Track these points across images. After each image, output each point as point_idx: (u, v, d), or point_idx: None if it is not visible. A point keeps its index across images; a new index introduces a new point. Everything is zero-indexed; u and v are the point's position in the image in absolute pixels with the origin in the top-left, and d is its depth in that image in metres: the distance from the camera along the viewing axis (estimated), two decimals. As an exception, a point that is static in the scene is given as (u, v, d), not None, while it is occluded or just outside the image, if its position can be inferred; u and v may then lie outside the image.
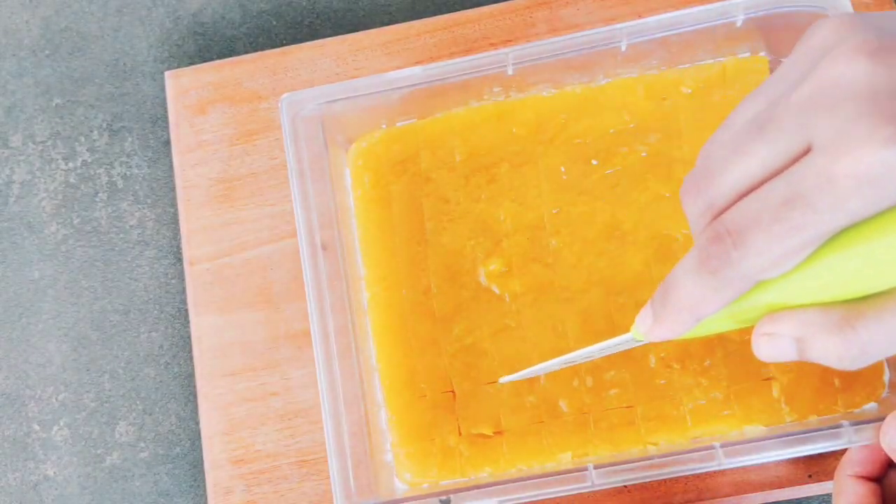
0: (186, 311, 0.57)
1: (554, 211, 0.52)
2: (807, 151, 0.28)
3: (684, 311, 0.32)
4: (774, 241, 0.28)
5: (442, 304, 0.51)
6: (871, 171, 0.26)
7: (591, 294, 0.51)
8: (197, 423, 0.56)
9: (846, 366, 0.29)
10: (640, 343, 0.38)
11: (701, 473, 0.50)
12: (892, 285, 0.28)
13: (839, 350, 0.29)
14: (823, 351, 0.29)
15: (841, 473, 0.45)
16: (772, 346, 0.31)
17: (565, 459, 0.50)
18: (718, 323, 0.33)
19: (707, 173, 0.31)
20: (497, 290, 0.51)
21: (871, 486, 0.44)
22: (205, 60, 0.61)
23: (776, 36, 0.52)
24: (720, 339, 0.50)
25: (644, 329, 0.35)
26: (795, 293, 0.29)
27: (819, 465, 0.50)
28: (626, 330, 0.50)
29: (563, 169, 0.52)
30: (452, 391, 0.51)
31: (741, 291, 0.30)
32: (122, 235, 0.59)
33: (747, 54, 0.53)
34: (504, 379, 0.47)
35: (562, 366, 0.44)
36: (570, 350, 0.50)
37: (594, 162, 0.52)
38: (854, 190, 0.26)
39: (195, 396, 0.56)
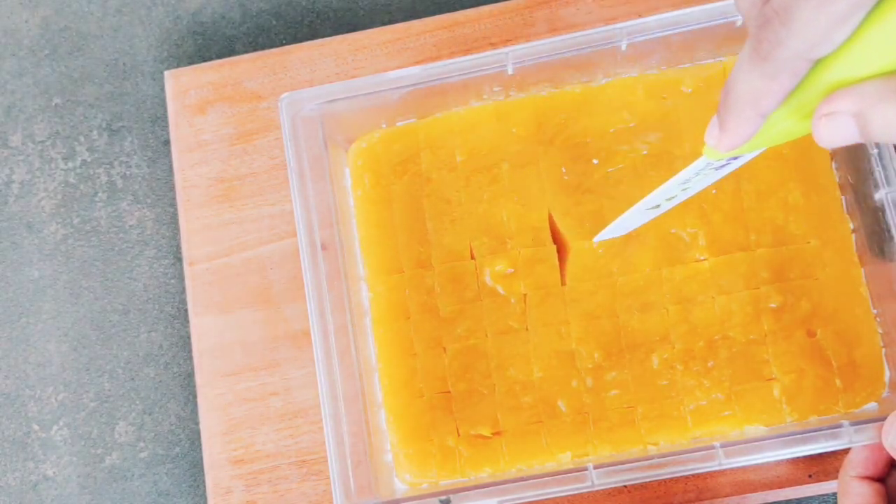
0: (186, 311, 0.57)
1: (557, 211, 0.52)
2: None
3: (746, 107, 0.31)
4: (820, 9, 0.27)
5: (446, 305, 0.51)
6: None
7: (598, 295, 0.51)
8: (196, 423, 0.56)
9: None
10: (718, 166, 0.36)
11: (701, 473, 0.50)
12: None
13: None
14: (884, 122, 0.28)
15: (844, 475, 0.45)
16: (831, 128, 0.29)
17: (565, 459, 0.50)
18: (787, 122, 0.32)
19: None
20: (502, 291, 0.51)
21: (875, 486, 0.44)
22: (204, 60, 0.61)
23: (776, 35, 0.52)
24: (724, 340, 0.50)
25: (713, 141, 0.33)
26: (854, 68, 0.28)
27: (819, 465, 0.50)
28: (633, 332, 0.50)
29: (564, 169, 0.52)
30: (449, 391, 0.51)
31: (798, 74, 0.29)
32: (121, 235, 0.59)
33: (747, 54, 0.53)
34: (597, 238, 0.46)
35: (646, 213, 0.42)
36: (571, 351, 0.50)
37: (595, 161, 0.52)
38: None
39: (195, 396, 0.55)
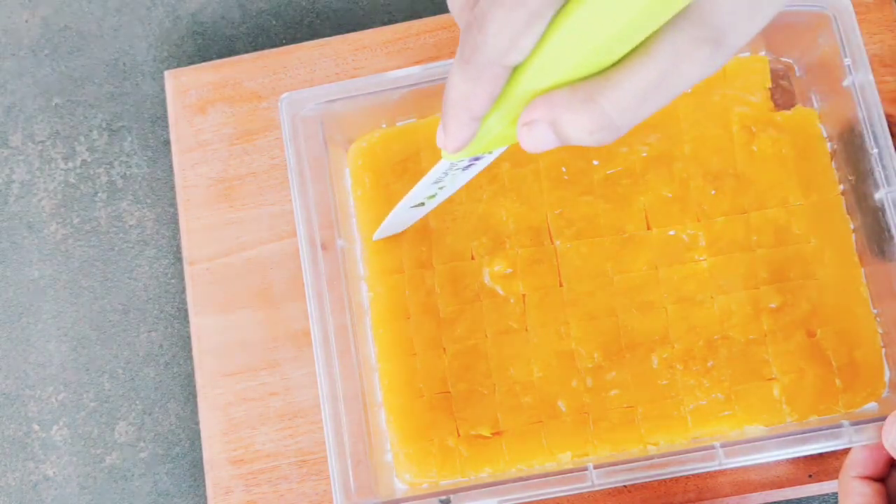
0: (186, 310, 0.57)
1: (557, 212, 0.52)
2: None
3: (459, 110, 0.32)
4: (506, 17, 0.28)
5: (446, 305, 0.51)
6: None
7: (596, 296, 0.51)
8: (197, 423, 0.56)
9: (599, 139, 0.29)
10: (463, 167, 0.37)
11: (701, 473, 0.50)
12: (624, 52, 0.28)
13: (587, 125, 0.29)
14: (574, 129, 0.29)
15: (845, 475, 0.45)
16: (531, 136, 0.30)
17: (565, 459, 0.50)
18: (500, 127, 0.33)
19: None
20: (501, 292, 0.51)
21: (875, 486, 0.44)
22: (204, 60, 0.61)
23: (776, 36, 0.52)
24: (724, 340, 0.50)
25: (441, 143, 0.34)
26: (545, 76, 0.29)
27: (819, 465, 0.50)
28: (632, 332, 0.50)
29: (564, 169, 0.52)
30: (449, 391, 0.51)
31: (499, 80, 0.30)
32: (121, 235, 0.59)
33: (747, 54, 0.53)
34: (375, 236, 0.47)
35: (413, 210, 0.43)
36: (570, 351, 0.50)
37: (595, 162, 0.52)
38: None
39: (195, 396, 0.55)
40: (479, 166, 0.37)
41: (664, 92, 0.29)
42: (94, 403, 0.57)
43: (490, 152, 0.35)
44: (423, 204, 0.43)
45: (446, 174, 0.38)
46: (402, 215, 0.45)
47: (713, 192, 0.51)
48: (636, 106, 0.29)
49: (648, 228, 0.51)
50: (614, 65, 0.29)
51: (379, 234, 0.48)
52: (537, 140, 0.30)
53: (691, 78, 0.29)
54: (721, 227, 0.51)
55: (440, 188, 0.40)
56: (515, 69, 0.30)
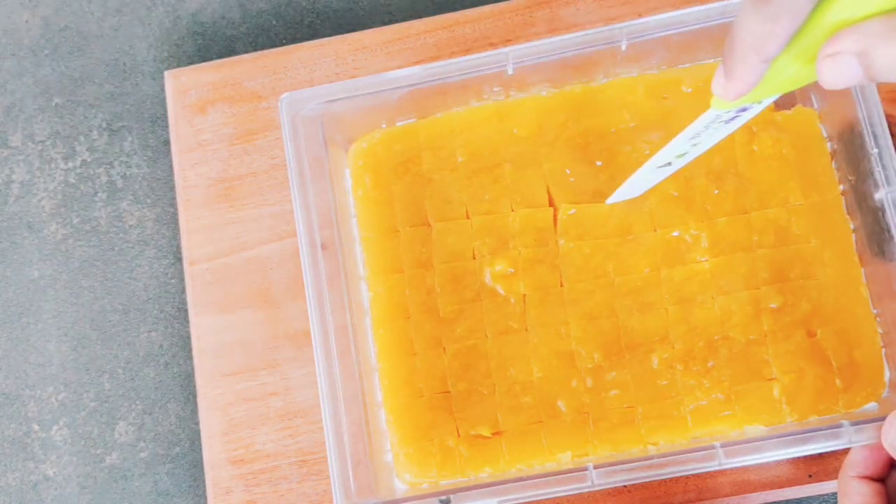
0: (186, 310, 0.57)
1: (570, 212, 0.51)
2: None
3: (750, 52, 0.30)
4: None
5: (446, 304, 0.51)
6: None
7: (597, 296, 0.51)
8: (197, 423, 0.56)
9: None
10: (727, 119, 0.36)
11: (701, 473, 0.50)
12: None
13: None
14: (888, 61, 0.27)
15: (844, 475, 0.45)
16: (835, 69, 0.29)
17: (565, 459, 0.50)
18: (792, 67, 0.31)
19: None
20: (502, 291, 0.51)
21: (875, 486, 0.44)
22: (204, 60, 0.61)
23: (776, 35, 0.52)
24: (724, 340, 0.50)
25: (719, 89, 0.33)
26: (856, 6, 0.28)
27: (819, 465, 0.50)
28: (633, 332, 0.50)
29: (568, 171, 0.52)
30: (449, 391, 0.51)
31: (800, 15, 0.29)
32: (121, 235, 0.59)
33: (748, 54, 0.53)
34: (610, 199, 0.47)
35: (658, 171, 0.42)
36: (570, 352, 0.50)
37: (598, 163, 0.52)
38: None
39: (195, 396, 0.55)
40: (743, 119, 0.36)
41: None
42: (94, 403, 0.57)
43: (759, 102, 0.33)
44: (669, 164, 0.41)
45: (707, 127, 0.37)
46: (645, 177, 0.43)
47: (716, 191, 0.51)
48: None
49: (655, 230, 0.51)
50: None
51: (614, 198, 0.46)
52: (841, 73, 0.29)
53: None
54: (723, 227, 0.51)
55: (693, 145, 0.39)
56: (820, 2, 0.28)
